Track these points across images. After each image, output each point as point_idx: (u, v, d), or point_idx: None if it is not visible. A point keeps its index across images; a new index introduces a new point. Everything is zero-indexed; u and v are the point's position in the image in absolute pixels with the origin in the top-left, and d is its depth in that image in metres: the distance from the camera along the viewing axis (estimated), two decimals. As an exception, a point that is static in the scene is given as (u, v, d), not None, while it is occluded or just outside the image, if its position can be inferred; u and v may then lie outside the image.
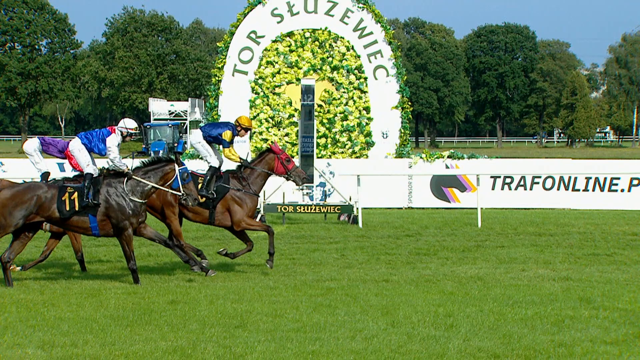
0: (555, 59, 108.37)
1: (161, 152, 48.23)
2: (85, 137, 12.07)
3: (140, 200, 11.56)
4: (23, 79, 78.14)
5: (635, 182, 23.33)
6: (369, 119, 25.49)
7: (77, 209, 11.36)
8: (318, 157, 23.50)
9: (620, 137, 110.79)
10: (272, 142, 13.57)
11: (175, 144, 50.63)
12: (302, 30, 25.73)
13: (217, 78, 25.79)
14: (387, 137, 25.46)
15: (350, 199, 19.98)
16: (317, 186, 22.16)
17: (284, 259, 13.68)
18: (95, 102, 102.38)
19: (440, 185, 23.68)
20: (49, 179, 12.90)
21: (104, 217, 11.46)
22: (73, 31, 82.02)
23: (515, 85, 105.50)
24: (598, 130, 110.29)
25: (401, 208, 23.48)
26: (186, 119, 61.81)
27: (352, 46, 25.65)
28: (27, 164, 24.67)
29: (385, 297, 10.40)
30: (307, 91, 25.61)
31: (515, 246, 15.45)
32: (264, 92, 25.68)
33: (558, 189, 23.59)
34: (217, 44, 27.02)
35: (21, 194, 11.29)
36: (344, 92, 25.62)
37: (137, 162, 12.06)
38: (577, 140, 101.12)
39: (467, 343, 8.12)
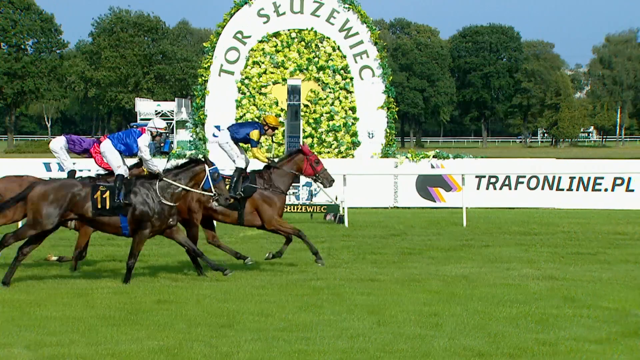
0: (540, 60, 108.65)
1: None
2: (116, 138, 12.10)
3: (170, 203, 11.55)
4: (9, 79, 77.81)
5: (618, 181, 23.49)
6: (355, 119, 25.54)
7: (107, 207, 11.40)
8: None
9: (604, 137, 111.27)
10: (302, 143, 13.59)
11: (162, 144, 50.51)
12: (289, 30, 25.77)
13: (203, 78, 25.80)
14: (373, 137, 25.53)
15: (336, 198, 20.02)
16: (303, 186, 22.19)
17: (274, 259, 13.69)
18: (82, 102, 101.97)
19: (426, 185, 23.76)
20: (75, 177, 12.94)
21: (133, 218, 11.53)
22: (59, 31, 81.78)
23: (500, 85, 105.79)
24: (582, 131, 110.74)
25: (387, 208, 23.55)
26: (173, 119, 61.67)
27: (338, 46, 25.70)
28: (13, 164, 24.63)
29: (372, 297, 10.44)
30: (293, 91, 25.67)
31: (500, 245, 15.53)
32: (250, 92, 25.70)
33: (543, 189, 23.72)
34: (204, 44, 27.02)
35: (56, 191, 11.32)
36: (330, 92, 25.66)
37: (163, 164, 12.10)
38: (562, 140, 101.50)
39: (453, 342, 8.17)
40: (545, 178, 23.59)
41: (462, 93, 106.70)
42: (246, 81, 25.71)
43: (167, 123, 62.86)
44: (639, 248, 15.13)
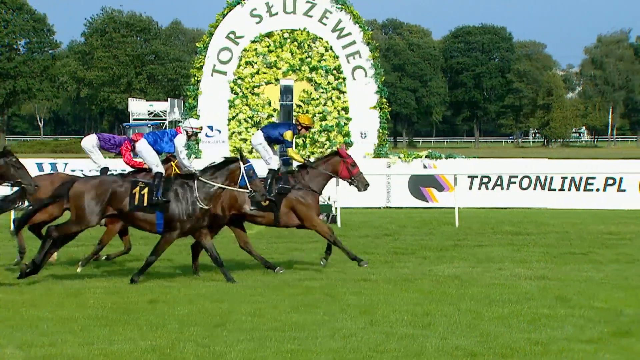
0: (532, 60, 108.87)
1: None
2: (152, 137, 12.12)
3: (204, 206, 11.54)
4: (1, 79, 77.66)
5: (610, 181, 23.56)
6: (348, 119, 25.56)
7: (145, 204, 11.44)
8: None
9: (596, 137, 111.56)
10: (340, 145, 13.60)
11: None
12: (281, 30, 25.76)
13: (196, 78, 25.77)
14: (365, 137, 25.54)
15: (329, 198, 20.03)
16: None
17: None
18: (74, 102, 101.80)
19: (418, 185, 23.80)
20: (107, 174, 13.00)
21: None
22: (52, 31, 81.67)
23: (492, 85, 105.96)
24: (573, 131, 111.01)
25: (380, 208, 23.57)
26: (165, 119, 61.63)
27: (331, 47, 25.70)
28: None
29: (364, 297, 10.46)
30: (286, 91, 25.70)
31: (492, 245, 15.57)
32: (243, 93, 25.68)
33: (535, 189, 23.77)
34: (196, 44, 26.99)
35: (97, 187, 11.42)
36: (322, 93, 25.66)
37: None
38: (553, 140, 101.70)
39: (445, 342, 8.19)
40: (537, 178, 23.64)
41: (454, 93, 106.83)
42: (239, 81, 25.70)
43: (159, 123, 62.92)
44: (630, 248, 15.18)
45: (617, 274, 12.25)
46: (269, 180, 12.60)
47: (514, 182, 23.83)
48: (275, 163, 12.92)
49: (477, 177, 23.88)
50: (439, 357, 7.73)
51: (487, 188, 23.94)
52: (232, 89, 25.68)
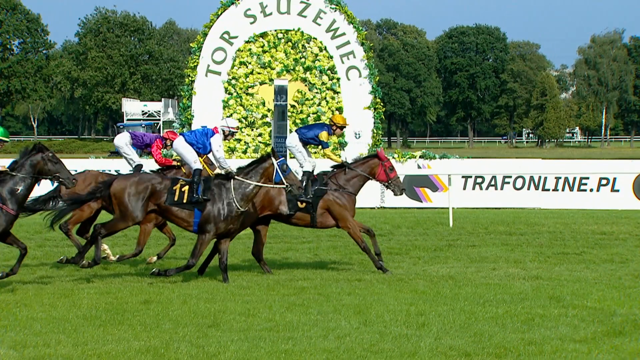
0: (526, 60, 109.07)
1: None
2: (190, 135, 12.14)
3: (240, 208, 11.56)
4: (-5, 79, 77.57)
5: (603, 182, 23.60)
6: (342, 119, 25.53)
7: (184, 201, 11.48)
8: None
9: (589, 137, 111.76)
10: (379, 148, 13.55)
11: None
12: (275, 30, 25.77)
13: (190, 78, 25.77)
14: (359, 137, 25.56)
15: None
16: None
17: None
18: (68, 102, 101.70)
19: (413, 185, 23.81)
20: (141, 172, 13.05)
21: None
22: (46, 31, 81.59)
23: (486, 86, 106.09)
24: (567, 131, 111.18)
25: (374, 208, 23.58)
26: (159, 119, 61.64)
27: (325, 47, 25.72)
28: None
29: (358, 296, 10.46)
30: (280, 92, 25.71)
31: (486, 245, 15.59)
32: (237, 93, 25.68)
33: (528, 189, 23.81)
34: (191, 44, 26.99)
35: (136, 184, 11.49)
36: (316, 93, 25.68)
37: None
38: (547, 140, 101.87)
39: (439, 341, 8.20)
40: (531, 178, 23.68)
41: (448, 93, 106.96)
42: (233, 81, 25.70)
43: (153, 123, 62.79)
44: (623, 248, 15.21)
45: (610, 274, 12.28)
46: (304, 182, 12.53)
47: (508, 183, 23.87)
48: (309, 165, 12.86)
49: (471, 177, 23.91)
50: (433, 357, 7.73)
51: (481, 188, 23.97)
52: (226, 89, 25.68)
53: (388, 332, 8.56)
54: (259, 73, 25.75)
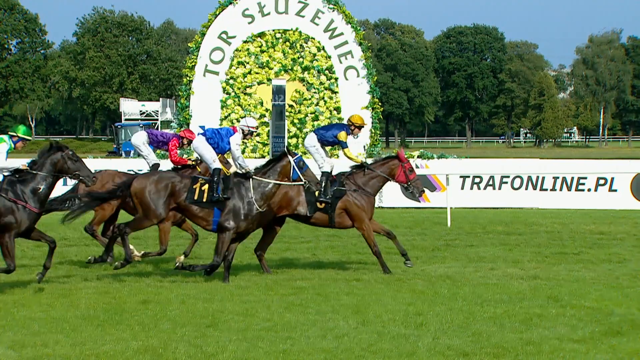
0: (524, 60, 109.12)
1: (132, 152, 48.08)
2: (209, 134, 12.15)
3: (259, 207, 11.60)
4: (-7, 79, 77.48)
5: (601, 181, 23.62)
6: (340, 119, 25.56)
7: (204, 200, 11.51)
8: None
9: (587, 137, 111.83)
10: (399, 149, 13.50)
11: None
12: (273, 30, 25.78)
13: (188, 78, 25.77)
14: (357, 137, 25.45)
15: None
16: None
17: (256, 259, 13.70)
18: (66, 102, 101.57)
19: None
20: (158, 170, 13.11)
21: None
22: (44, 31, 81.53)
23: (484, 85, 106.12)
24: (565, 131, 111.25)
25: (372, 208, 23.56)
26: (157, 119, 61.58)
27: (323, 47, 25.73)
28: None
29: (356, 296, 10.47)
30: (278, 91, 25.71)
31: (484, 245, 15.59)
32: (235, 93, 25.69)
33: (526, 189, 23.82)
34: (188, 44, 27.00)
35: (156, 182, 11.55)
36: (314, 93, 25.69)
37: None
38: (545, 140, 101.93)
39: (437, 341, 8.20)
40: (529, 178, 23.69)
41: (446, 93, 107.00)
42: (231, 81, 25.70)
43: (151, 123, 62.76)
44: (621, 248, 15.22)
45: (608, 273, 12.29)
46: (323, 183, 12.50)
47: (506, 182, 23.88)
48: (328, 165, 12.84)
49: (469, 177, 23.92)
50: (431, 356, 7.74)
51: (479, 188, 23.97)
52: (224, 89, 25.68)
53: (386, 332, 8.56)
54: (257, 73, 25.75)
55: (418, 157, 24.48)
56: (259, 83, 25.76)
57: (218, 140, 12.14)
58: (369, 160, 13.23)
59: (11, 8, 79.35)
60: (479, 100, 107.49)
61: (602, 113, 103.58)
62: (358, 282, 11.56)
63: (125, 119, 62.30)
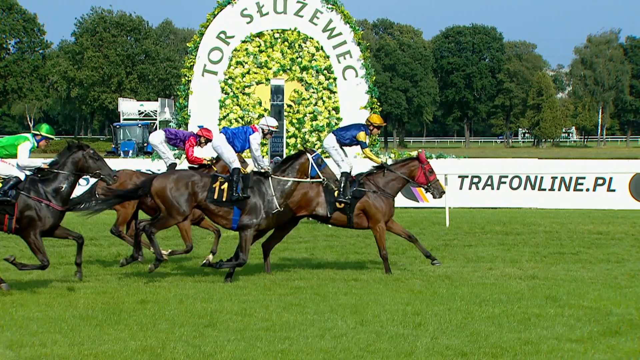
0: (522, 60, 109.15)
1: (130, 152, 48.05)
2: (228, 133, 12.17)
3: (279, 204, 11.64)
4: (-9, 79, 77.46)
5: (600, 181, 23.62)
6: (338, 119, 25.58)
7: (224, 199, 11.54)
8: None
9: (585, 137, 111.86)
10: (420, 150, 13.48)
11: (145, 144, 50.44)
12: (272, 30, 25.77)
13: (186, 78, 25.76)
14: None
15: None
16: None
17: (253, 259, 13.69)
18: (65, 102, 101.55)
19: (409, 184, 23.78)
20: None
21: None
22: (42, 31, 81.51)
23: (482, 85, 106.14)
24: (563, 131, 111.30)
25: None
26: (156, 119, 61.55)
27: (322, 47, 25.73)
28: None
29: (354, 296, 10.47)
30: (277, 91, 25.70)
31: (482, 245, 15.60)
32: (233, 92, 25.68)
33: (525, 189, 23.82)
34: (187, 44, 26.98)
35: (176, 181, 11.57)
36: (313, 93, 25.68)
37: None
38: (543, 140, 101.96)
39: (435, 341, 8.20)
40: (528, 178, 23.70)
41: (444, 93, 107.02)
42: (229, 81, 25.70)
43: (149, 123, 62.71)
44: (619, 248, 15.22)
45: (606, 273, 12.29)
46: (342, 183, 12.51)
47: (504, 182, 23.88)
48: (347, 166, 12.85)
49: (467, 177, 23.92)
50: (429, 356, 7.74)
51: (477, 188, 23.98)
52: (222, 89, 25.68)
53: (384, 332, 8.56)
54: (255, 73, 25.75)
55: (416, 157, 24.46)
56: (258, 83, 25.76)
57: (238, 139, 12.16)
58: (389, 161, 13.18)
59: (9, 8, 79.33)
60: (477, 100, 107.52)
61: (600, 113, 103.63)
62: (356, 282, 11.55)
63: (124, 119, 62.27)
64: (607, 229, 18.11)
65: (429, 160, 13.11)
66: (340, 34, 25.75)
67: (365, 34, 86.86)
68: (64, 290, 10.91)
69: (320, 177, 11.82)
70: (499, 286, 11.13)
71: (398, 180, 12.87)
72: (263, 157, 12.90)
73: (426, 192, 13.19)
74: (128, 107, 64.16)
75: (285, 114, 25.54)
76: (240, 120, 25.54)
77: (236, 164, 11.90)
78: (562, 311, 9.53)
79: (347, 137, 13.02)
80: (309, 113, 25.60)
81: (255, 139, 12.13)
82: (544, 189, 23.77)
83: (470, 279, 11.81)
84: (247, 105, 25.65)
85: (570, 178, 23.62)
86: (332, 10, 25.73)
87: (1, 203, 10.87)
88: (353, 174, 12.86)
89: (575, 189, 23.71)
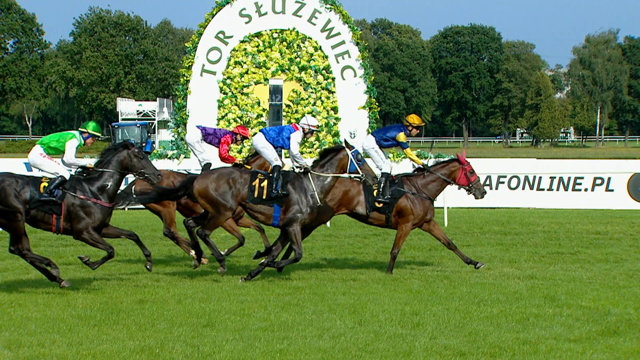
0: (520, 60, 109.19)
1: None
2: (269, 132, 12.24)
3: (319, 200, 11.68)
4: (-10, 79, 77.44)
5: (598, 181, 23.64)
6: (337, 119, 25.58)
7: (264, 197, 11.59)
8: (286, 157, 23.56)
9: (584, 137, 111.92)
10: (460, 151, 13.49)
11: (144, 144, 50.41)
12: (270, 30, 25.77)
13: (185, 78, 25.75)
14: (354, 137, 25.55)
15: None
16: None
17: (254, 261, 13.70)
18: (63, 101, 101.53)
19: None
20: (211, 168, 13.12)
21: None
22: (41, 31, 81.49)
23: (481, 85, 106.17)
24: (562, 131, 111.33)
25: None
26: (154, 119, 61.50)
27: (320, 46, 25.73)
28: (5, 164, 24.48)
29: (353, 296, 10.47)
30: (275, 91, 25.69)
31: (481, 245, 15.61)
32: (232, 92, 25.68)
33: (523, 189, 23.83)
34: (186, 44, 26.98)
35: (217, 180, 11.63)
36: (311, 92, 25.68)
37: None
38: (542, 140, 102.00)
39: (434, 341, 8.21)
40: (526, 178, 23.71)
41: (443, 93, 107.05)
42: (228, 81, 25.69)
43: (148, 123, 62.56)
44: (618, 248, 15.23)
45: (604, 273, 12.30)
46: (382, 184, 12.54)
47: (503, 182, 23.89)
48: (387, 166, 12.88)
49: (466, 177, 23.88)
50: (428, 356, 7.74)
51: (476, 188, 23.94)
52: (221, 89, 25.67)
53: (383, 332, 8.56)
54: (254, 73, 25.75)
55: (415, 157, 24.46)
56: (256, 83, 25.75)
57: (278, 137, 12.18)
58: (430, 162, 13.17)
59: (8, 8, 79.31)
60: (476, 100, 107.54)
61: (598, 113, 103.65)
62: (355, 282, 11.56)
63: (122, 119, 62.22)
64: (605, 229, 18.12)
65: (468, 161, 13.03)
66: (338, 33, 25.75)
67: (364, 33, 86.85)
68: (62, 290, 10.90)
69: (358, 173, 11.81)
70: (497, 286, 11.14)
71: (438, 182, 12.88)
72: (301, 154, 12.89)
73: (468, 193, 13.12)
74: (126, 107, 64.11)
75: (284, 114, 25.53)
76: (238, 120, 25.53)
77: (277, 162, 11.97)
78: (561, 311, 9.54)
79: (387, 138, 13.04)
80: (308, 113, 25.58)
81: (296, 137, 12.17)
82: (543, 189, 23.78)
83: (469, 279, 11.81)
84: (246, 105, 25.65)
85: (569, 178, 23.63)
86: (330, 10, 25.73)
87: (47, 203, 10.89)
88: (393, 174, 12.88)
89: (573, 189, 23.72)
